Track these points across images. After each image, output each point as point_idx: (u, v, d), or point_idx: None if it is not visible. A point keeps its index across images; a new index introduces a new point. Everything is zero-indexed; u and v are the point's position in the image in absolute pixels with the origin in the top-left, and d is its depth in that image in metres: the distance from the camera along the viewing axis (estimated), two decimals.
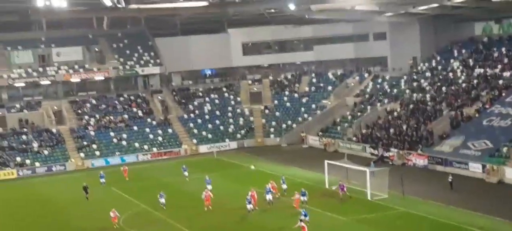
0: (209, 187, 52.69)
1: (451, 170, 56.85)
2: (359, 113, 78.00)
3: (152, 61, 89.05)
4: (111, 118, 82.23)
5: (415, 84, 77.78)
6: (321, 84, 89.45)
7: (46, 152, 74.94)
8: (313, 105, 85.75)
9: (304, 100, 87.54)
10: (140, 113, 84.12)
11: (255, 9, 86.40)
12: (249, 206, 47.08)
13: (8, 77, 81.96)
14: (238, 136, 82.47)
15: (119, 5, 77.32)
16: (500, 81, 68.25)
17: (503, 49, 74.50)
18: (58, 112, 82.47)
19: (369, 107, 78.21)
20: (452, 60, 78.55)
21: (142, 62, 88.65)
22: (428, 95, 72.96)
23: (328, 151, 72.61)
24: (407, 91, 77.02)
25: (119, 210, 46.71)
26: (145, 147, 78.00)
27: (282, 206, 48.79)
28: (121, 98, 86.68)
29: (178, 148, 78.85)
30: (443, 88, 72.94)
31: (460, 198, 48.62)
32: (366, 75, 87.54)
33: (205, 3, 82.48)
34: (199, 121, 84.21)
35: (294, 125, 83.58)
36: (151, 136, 79.89)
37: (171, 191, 54.53)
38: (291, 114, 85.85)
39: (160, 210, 49.61)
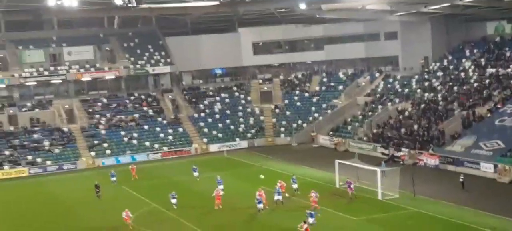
0: (221, 186, 52.67)
1: (463, 170, 56.55)
2: (370, 113, 77.78)
3: (162, 60, 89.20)
4: (122, 116, 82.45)
5: (426, 84, 77.46)
6: (332, 84, 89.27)
7: (57, 151, 75.25)
8: (324, 105, 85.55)
9: (314, 99, 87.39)
10: (150, 112, 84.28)
11: (266, 8, 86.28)
12: (260, 206, 47.00)
13: (20, 76, 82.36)
14: (249, 135, 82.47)
15: (130, 5, 77.45)
16: None
17: None
18: (69, 111, 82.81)
19: (380, 107, 77.95)
20: (464, 60, 78.14)
21: (152, 61, 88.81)
22: (439, 95, 72.64)
23: (339, 151, 72.43)
24: (419, 91, 76.72)
25: (131, 208, 46.73)
26: (156, 146, 78.13)
27: (293, 205, 48.69)
28: (132, 98, 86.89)
29: (189, 147, 78.94)
30: (455, 88, 72.59)
31: (472, 198, 48.37)
32: (377, 74, 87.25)
33: (215, 3, 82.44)
34: (210, 120, 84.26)
35: (305, 124, 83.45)
36: (161, 135, 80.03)
37: (182, 190, 54.55)
38: (301, 113, 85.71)
39: (171, 209, 49.64)
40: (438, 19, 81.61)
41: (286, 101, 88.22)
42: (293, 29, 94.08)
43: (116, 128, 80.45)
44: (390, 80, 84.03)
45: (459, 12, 76.62)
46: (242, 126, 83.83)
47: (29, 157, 73.50)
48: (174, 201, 49.95)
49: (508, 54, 74.19)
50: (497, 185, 52.79)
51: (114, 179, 62.10)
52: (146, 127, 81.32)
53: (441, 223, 42.52)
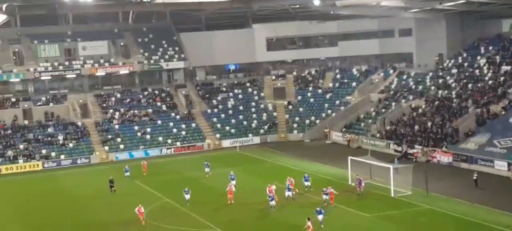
0: (233, 182, 52.82)
1: (476, 167, 56.30)
2: (383, 110, 77.53)
3: (176, 56, 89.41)
4: (136, 111, 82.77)
5: (440, 81, 77.04)
6: (345, 80, 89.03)
7: (71, 145, 75.72)
8: (337, 101, 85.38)
9: (328, 96, 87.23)
10: (164, 107, 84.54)
11: (280, 4, 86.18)
12: (272, 203, 47.01)
13: (35, 70, 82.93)
14: (261, 131, 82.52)
15: (144, 0, 77.65)
16: None
17: None
18: (83, 106, 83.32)
19: (393, 103, 77.67)
20: (478, 57, 77.61)
21: (166, 56, 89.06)
22: (453, 92, 72.25)
23: (352, 147, 72.28)
24: (433, 88, 76.34)
25: (143, 203, 47.01)
26: (169, 141, 78.37)
27: (305, 202, 48.69)
28: (146, 93, 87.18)
29: (202, 142, 79.13)
30: (469, 85, 72.15)
31: (485, 196, 48.13)
32: (391, 71, 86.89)
33: None
34: (223, 115, 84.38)
35: (318, 121, 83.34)
36: (174, 130, 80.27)
37: (194, 185, 54.68)
38: (314, 110, 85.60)
39: (183, 204, 49.81)
40: (453, 16, 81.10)
41: (299, 97, 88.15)
42: (307, 26, 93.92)
43: (129, 122, 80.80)
44: (404, 77, 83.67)
45: (474, 9, 76.04)
46: (255, 121, 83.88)
47: (43, 151, 74.02)
48: (187, 197, 50.08)
49: None
50: (511, 183, 52.43)
51: (127, 173, 62.42)
52: (159, 122, 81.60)
53: (454, 220, 42.37)
